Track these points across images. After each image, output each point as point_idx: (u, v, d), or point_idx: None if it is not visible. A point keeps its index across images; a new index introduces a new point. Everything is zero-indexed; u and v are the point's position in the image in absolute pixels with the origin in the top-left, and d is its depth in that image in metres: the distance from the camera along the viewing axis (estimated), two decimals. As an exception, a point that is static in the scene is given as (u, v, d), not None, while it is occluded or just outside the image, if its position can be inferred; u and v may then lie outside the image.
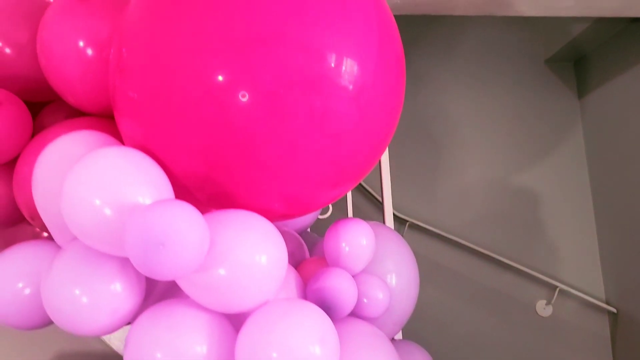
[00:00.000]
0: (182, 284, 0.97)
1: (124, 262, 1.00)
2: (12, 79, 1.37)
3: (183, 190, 1.01)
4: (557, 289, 2.99)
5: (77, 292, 0.97)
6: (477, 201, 3.11)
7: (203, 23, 0.92)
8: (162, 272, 0.82)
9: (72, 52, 1.23)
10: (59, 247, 1.11)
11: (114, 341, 1.78)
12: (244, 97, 0.91)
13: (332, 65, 0.93)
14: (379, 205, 2.80)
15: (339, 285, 1.11)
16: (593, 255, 3.04)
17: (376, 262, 1.25)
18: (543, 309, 3.03)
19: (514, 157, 3.12)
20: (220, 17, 0.92)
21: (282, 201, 1.08)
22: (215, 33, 0.91)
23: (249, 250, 0.94)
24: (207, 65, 0.91)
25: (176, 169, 1.00)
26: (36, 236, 1.52)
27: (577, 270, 3.06)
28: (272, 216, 1.05)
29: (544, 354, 2.94)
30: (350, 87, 0.95)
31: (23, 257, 1.12)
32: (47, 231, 1.27)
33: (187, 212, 0.84)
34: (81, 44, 1.23)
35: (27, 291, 1.10)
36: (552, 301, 2.99)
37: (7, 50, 1.35)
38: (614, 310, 2.84)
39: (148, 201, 0.90)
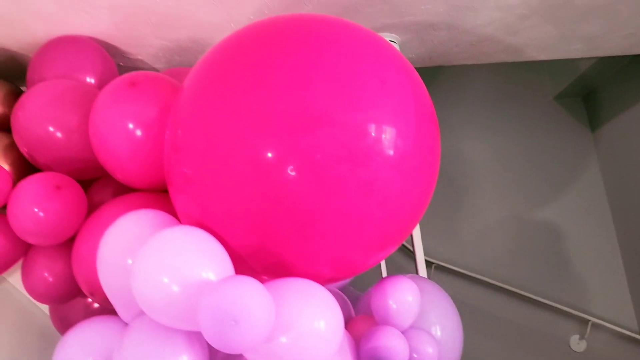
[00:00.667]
0: (247, 354, 1.02)
1: (190, 336, 1.06)
2: (64, 160, 1.46)
3: (240, 262, 1.08)
4: (590, 323, 2.98)
5: (148, 364, 1.03)
6: (501, 239, 3.14)
7: (254, 105, 1.00)
8: (235, 347, 0.88)
9: (122, 133, 1.32)
10: (124, 323, 1.18)
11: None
12: (292, 172, 0.98)
13: (375, 138, 1.00)
14: (405, 249, 2.84)
15: (392, 343, 1.16)
16: (622, 286, 3.04)
17: (420, 315, 1.30)
18: (577, 344, 3.01)
19: (533, 193, 3.17)
20: (271, 100, 1.00)
21: (331, 267, 1.14)
22: (265, 114, 0.99)
23: (309, 318, 0.99)
24: (258, 144, 0.99)
25: (233, 242, 1.06)
26: (87, 309, 1.58)
27: (607, 302, 3.06)
28: (320, 280, 1.11)
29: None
30: (393, 156, 1.02)
31: (91, 333, 1.18)
32: (106, 305, 1.33)
33: (255, 289, 0.90)
34: (131, 125, 1.32)
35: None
36: (586, 335, 2.98)
37: (59, 135, 1.45)
38: (650, 340, 2.83)
39: (212, 276, 0.97)
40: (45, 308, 1.79)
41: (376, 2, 1.67)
